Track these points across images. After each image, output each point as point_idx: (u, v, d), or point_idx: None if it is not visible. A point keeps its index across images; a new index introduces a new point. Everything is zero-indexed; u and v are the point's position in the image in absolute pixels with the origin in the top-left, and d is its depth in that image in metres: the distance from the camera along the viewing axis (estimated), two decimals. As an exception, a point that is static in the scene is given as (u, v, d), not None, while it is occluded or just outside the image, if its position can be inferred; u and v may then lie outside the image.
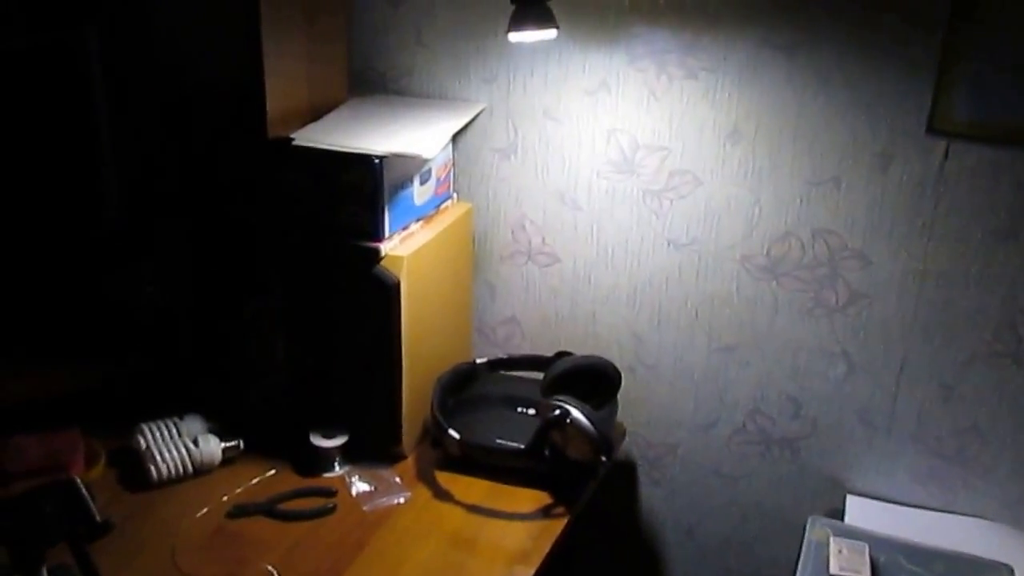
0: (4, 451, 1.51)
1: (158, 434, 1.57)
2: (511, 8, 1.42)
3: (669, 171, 1.60)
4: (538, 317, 1.79)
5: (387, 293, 1.49)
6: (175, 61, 1.69)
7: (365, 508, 1.50)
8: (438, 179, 1.62)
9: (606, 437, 1.49)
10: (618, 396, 1.64)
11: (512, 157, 1.70)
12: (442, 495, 1.54)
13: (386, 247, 1.49)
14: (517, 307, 1.80)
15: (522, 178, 1.71)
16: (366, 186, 1.46)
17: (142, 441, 1.56)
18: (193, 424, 1.60)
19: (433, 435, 1.61)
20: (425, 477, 1.58)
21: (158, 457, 1.52)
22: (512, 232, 1.75)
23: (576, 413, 1.48)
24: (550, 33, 1.43)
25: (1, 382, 1.64)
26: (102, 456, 1.57)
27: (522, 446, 1.51)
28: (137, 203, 1.73)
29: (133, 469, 1.55)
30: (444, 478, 1.57)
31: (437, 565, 1.41)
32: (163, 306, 1.72)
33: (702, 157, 1.58)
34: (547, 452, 1.51)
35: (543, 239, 1.73)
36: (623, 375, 1.62)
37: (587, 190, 1.67)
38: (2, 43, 1.64)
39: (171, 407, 1.63)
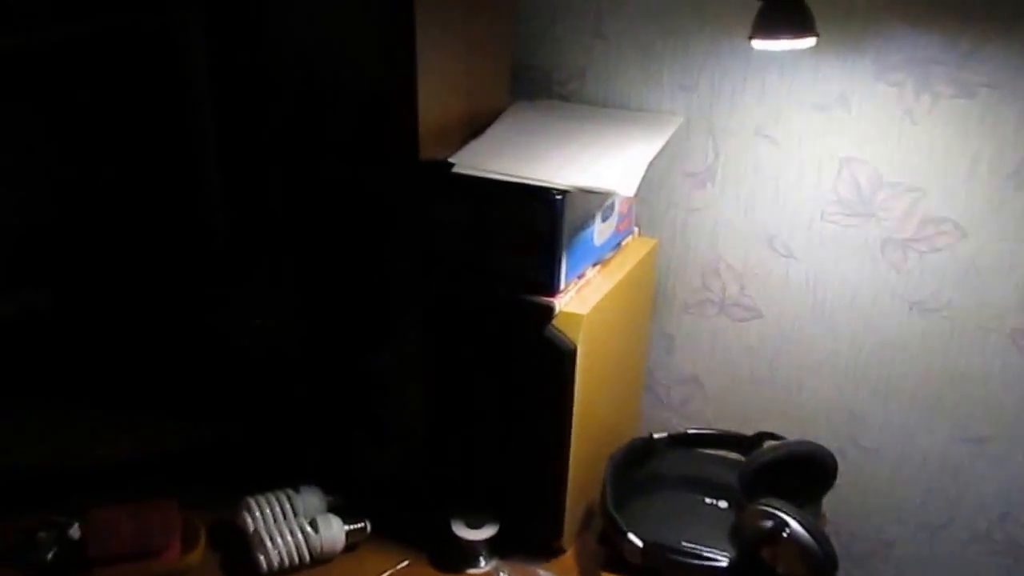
0: (90, 529, 1.24)
1: (268, 511, 1.28)
2: (754, 6, 1.08)
3: (921, 217, 1.24)
4: (726, 379, 1.45)
5: (559, 360, 1.17)
6: (298, 59, 1.35)
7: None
8: (621, 214, 1.30)
9: (831, 557, 1.17)
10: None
11: (709, 185, 1.36)
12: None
13: (560, 302, 1.17)
14: (700, 366, 1.46)
15: (720, 211, 1.37)
16: (542, 227, 1.14)
17: (249, 521, 1.27)
18: (310, 499, 1.31)
19: (603, 531, 1.31)
20: (590, 579, 1.29)
21: (268, 542, 1.23)
22: (703, 277, 1.41)
23: (796, 526, 1.15)
24: (807, 42, 1.08)
25: (83, 438, 1.39)
26: (201, 536, 1.28)
27: (722, 562, 1.20)
28: (243, 228, 1.45)
29: (238, 553, 1.27)
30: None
31: None
32: (273, 346, 1.45)
33: (970, 202, 1.21)
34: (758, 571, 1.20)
35: (741, 288, 1.39)
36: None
37: (806, 232, 1.32)
38: (82, 23, 1.37)
39: (282, 475, 1.35)
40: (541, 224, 1.13)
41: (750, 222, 1.35)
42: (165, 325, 1.50)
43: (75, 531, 1.27)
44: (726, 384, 1.45)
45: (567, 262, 1.17)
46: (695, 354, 1.45)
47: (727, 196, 1.35)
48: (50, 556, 1.25)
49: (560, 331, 1.17)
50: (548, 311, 1.16)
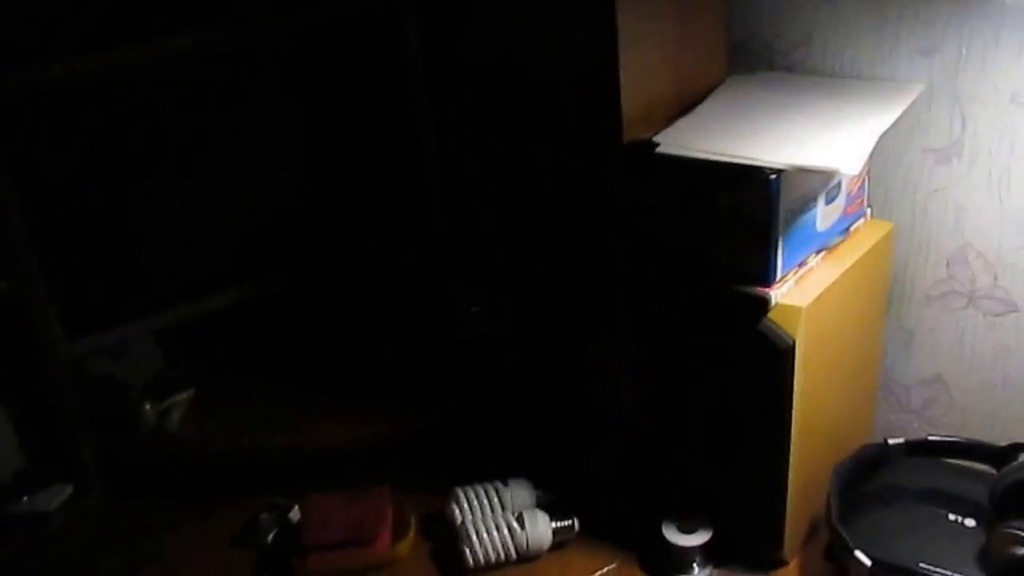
0: (308, 516, 1.28)
1: (476, 504, 1.27)
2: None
3: None
4: (976, 382, 1.28)
5: (776, 357, 1.06)
6: (504, 41, 1.31)
7: (733, 640, 1.13)
8: (849, 194, 1.16)
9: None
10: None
11: (955, 161, 1.19)
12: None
13: (777, 294, 1.06)
14: (945, 365, 1.29)
15: (968, 192, 1.20)
16: (755, 212, 1.03)
17: (457, 513, 1.26)
18: (519, 493, 1.28)
19: (828, 545, 1.19)
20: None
21: (474, 537, 1.21)
22: (948, 265, 1.24)
23: (1058, 554, 1.00)
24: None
25: (306, 423, 1.43)
26: (411, 526, 1.28)
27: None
28: (459, 212, 1.44)
29: (446, 544, 1.26)
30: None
31: None
32: (488, 334, 1.43)
33: None
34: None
35: (995, 278, 1.22)
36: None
37: (1073, 214, 1.15)
38: (305, 15, 1.41)
39: (491, 465, 1.33)
40: (753, 207, 1.03)
41: (1004, 202, 1.17)
42: (387, 313, 1.53)
43: (295, 514, 1.32)
44: (976, 387, 1.27)
45: (784, 249, 1.06)
46: (939, 352, 1.29)
47: (976, 174, 1.18)
48: (271, 538, 1.30)
49: (777, 325, 1.06)
50: (763, 303, 1.06)
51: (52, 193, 1.34)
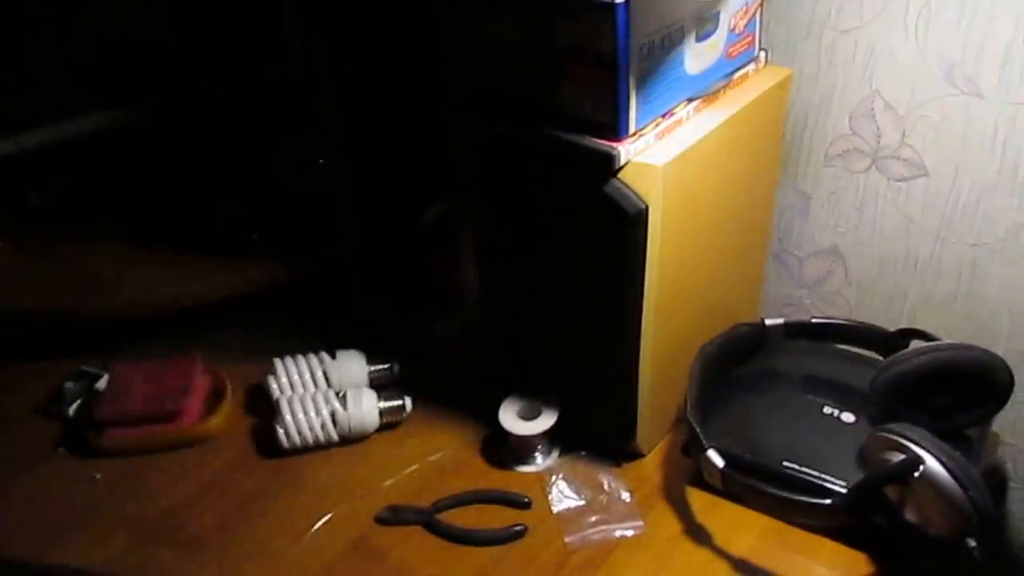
0: (108, 386, 1.11)
1: (296, 379, 1.10)
2: None
3: None
4: (875, 256, 1.10)
5: (624, 224, 0.87)
6: None
7: (568, 540, 0.96)
8: (731, 31, 0.95)
9: (983, 511, 0.85)
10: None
11: (867, -7, 1.00)
12: (694, 533, 0.96)
13: (629, 150, 0.86)
14: (843, 235, 1.11)
15: (881, 32, 0.99)
16: (600, 47, 0.84)
17: (275, 387, 1.10)
18: (348, 365, 1.12)
19: (685, 441, 1.05)
20: (671, 496, 1.01)
21: (288, 417, 1.05)
22: (850, 119, 1.04)
23: (934, 465, 0.84)
24: None
25: (118, 283, 1.23)
26: (227, 399, 1.12)
27: (825, 500, 0.89)
28: (308, 50, 1.21)
29: (264, 420, 1.11)
30: (700, 502, 0.99)
31: None
32: (328, 190, 1.23)
33: None
34: (877, 514, 0.89)
35: (903, 135, 1.02)
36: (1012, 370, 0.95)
37: (1000, 62, 0.93)
38: None
39: (319, 332, 1.18)
40: (598, 41, 0.82)
41: (921, 47, 0.97)
42: (223, 162, 1.33)
43: (103, 384, 1.16)
44: (875, 262, 1.10)
45: (639, 96, 0.85)
46: (837, 220, 1.10)
47: (892, 11, 0.97)
48: (72, 410, 1.14)
49: (626, 186, 0.87)
50: (609, 160, 0.86)
51: None
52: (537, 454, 1.05)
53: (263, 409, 1.12)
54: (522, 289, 1.03)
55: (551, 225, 0.96)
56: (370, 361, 1.13)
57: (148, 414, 1.06)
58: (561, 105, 0.88)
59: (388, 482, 1.03)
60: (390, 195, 1.15)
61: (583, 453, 1.05)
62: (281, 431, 1.05)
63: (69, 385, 1.16)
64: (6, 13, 1.27)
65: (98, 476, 1.05)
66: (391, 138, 1.12)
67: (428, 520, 0.98)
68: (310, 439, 1.06)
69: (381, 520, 0.99)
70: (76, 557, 0.95)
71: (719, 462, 0.92)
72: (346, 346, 1.15)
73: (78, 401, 1.14)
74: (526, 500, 1.00)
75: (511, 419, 1.04)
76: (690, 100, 0.92)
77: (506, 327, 1.08)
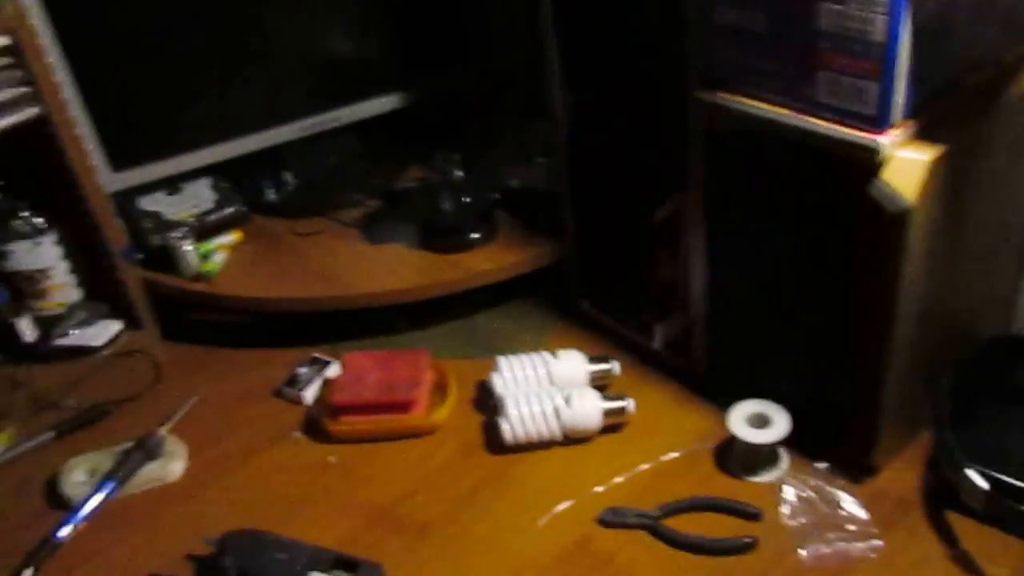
0: (340, 374, 1.14)
1: (521, 375, 1.10)
2: None
3: None
4: None
5: (884, 225, 0.81)
6: None
7: (803, 553, 0.90)
8: (1007, 17, 0.88)
9: None
10: None
11: None
12: (943, 558, 0.88)
13: (890, 143, 0.79)
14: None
15: None
16: (867, 33, 0.76)
17: (499, 382, 1.10)
18: (570, 365, 1.10)
19: (932, 455, 0.96)
20: (913, 515, 0.93)
21: (514, 412, 1.05)
22: None
23: None
24: None
25: (348, 276, 1.28)
26: (451, 391, 1.13)
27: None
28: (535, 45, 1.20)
29: (490, 417, 1.11)
30: (949, 523, 0.91)
31: None
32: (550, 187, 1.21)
33: None
34: None
35: None
36: None
37: None
38: None
39: (539, 330, 1.17)
40: (864, 26, 0.76)
41: None
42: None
43: (334, 370, 1.19)
44: None
45: (912, 79, 0.79)
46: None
47: None
48: (308, 395, 1.17)
49: (887, 183, 0.81)
50: (869, 155, 0.80)
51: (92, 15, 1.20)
52: (767, 463, 0.99)
53: (485, 405, 1.13)
54: (757, 290, 0.99)
55: (797, 223, 0.91)
56: (591, 361, 1.11)
57: (381, 403, 1.08)
58: (815, 95, 0.83)
59: (610, 483, 1.00)
60: (615, 193, 1.13)
61: (818, 465, 0.99)
62: (506, 425, 1.04)
63: (302, 370, 1.20)
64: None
65: (332, 459, 1.08)
66: (619, 135, 1.10)
67: (653, 525, 0.95)
68: (534, 435, 1.04)
69: (603, 522, 0.96)
70: (310, 534, 0.97)
71: (983, 483, 0.84)
72: (566, 345, 1.14)
73: (312, 385, 1.18)
74: (756, 511, 0.95)
75: (741, 426, 0.99)
76: (952, 90, 0.86)
77: (737, 329, 1.03)
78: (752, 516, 0.95)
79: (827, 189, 0.85)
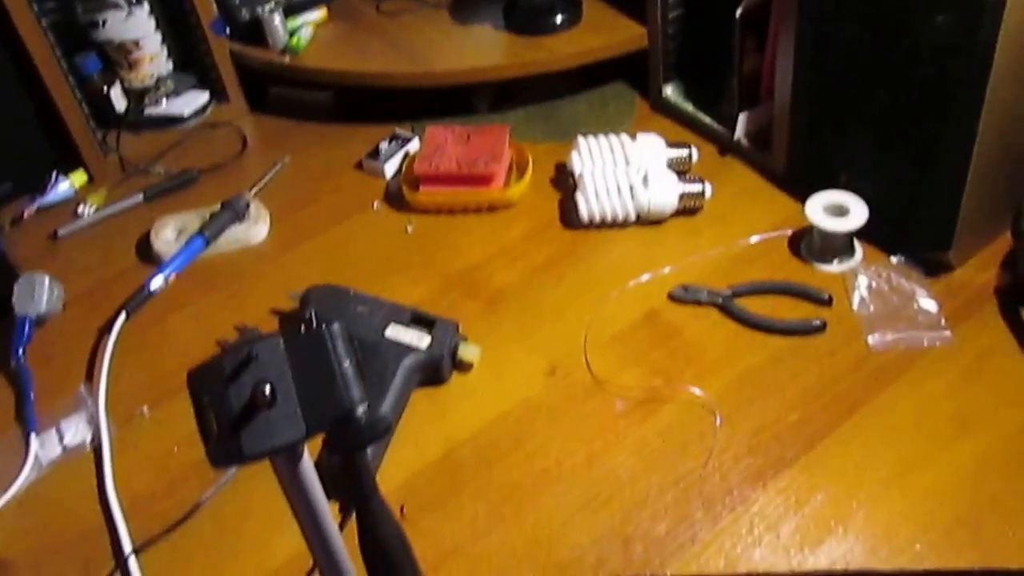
0: (422, 146, 1.12)
1: (598, 154, 1.05)
2: None
3: None
4: None
5: (972, 14, 0.76)
6: None
7: (870, 340, 0.88)
8: None
9: None
10: None
11: None
12: (1009, 351, 0.85)
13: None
14: None
15: None
16: None
17: (578, 161, 1.06)
18: (648, 147, 1.06)
19: (1011, 253, 0.92)
20: (983, 312, 0.90)
21: (592, 188, 1.02)
22: None
23: None
24: None
25: (433, 53, 1.22)
26: (529, 168, 1.09)
27: None
28: None
29: (567, 195, 1.08)
30: (1019, 321, 0.88)
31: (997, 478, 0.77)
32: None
33: None
34: None
35: None
36: None
37: None
38: None
39: (618, 114, 1.12)
40: None
41: None
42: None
43: (414, 146, 1.17)
44: None
45: None
46: None
47: None
48: (389, 167, 1.15)
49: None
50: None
51: None
52: (842, 253, 0.95)
53: (562, 185, 1.10)
54: (843, 79, 0.92)
55: (887, 9, 0.84)
56: (670, 145, 1.07)
57: (461, 175, 1.06)
58: None
59: (683, 263, 0.98)
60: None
61: (893, 259, 0.95)
62: (583, 201, 1.02)
63: (384, 145, 1.17)
64: None
65: (410, 228, 1.07)
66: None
67: (724, 303, 0.93)
68: (608, 213, 1.02)
69: (674, 297, 0.95)
70: (393, 294, 0.97)
71: (1064, 275, 0.80)
72: (646, 129, 1.10)
73: (393, 159, 1.15)
74: (827, 296, 0.92)
75: (818, 214, 0.94)
76: None
77: (820, 121, 0.97)
78: (824, 301, 0.92)
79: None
